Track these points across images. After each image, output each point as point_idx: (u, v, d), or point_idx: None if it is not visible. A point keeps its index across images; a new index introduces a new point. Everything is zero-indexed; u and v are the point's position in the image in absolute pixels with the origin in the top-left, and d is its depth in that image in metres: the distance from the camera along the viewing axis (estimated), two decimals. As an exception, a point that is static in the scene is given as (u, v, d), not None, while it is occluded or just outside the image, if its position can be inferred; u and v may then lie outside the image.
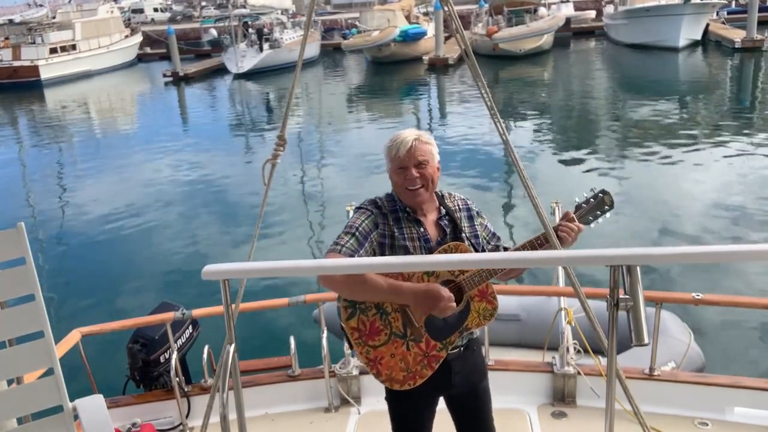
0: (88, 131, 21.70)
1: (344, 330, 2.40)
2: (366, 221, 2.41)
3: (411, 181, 2.42)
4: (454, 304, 2.32)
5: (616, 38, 32.66)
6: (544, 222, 2.52)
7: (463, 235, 2.50)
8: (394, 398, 2.55)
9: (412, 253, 2.39)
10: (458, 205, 2.58)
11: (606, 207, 2.58)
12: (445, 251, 2.40)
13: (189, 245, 10.27)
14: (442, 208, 2.54)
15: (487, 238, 2.60)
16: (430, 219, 2.50)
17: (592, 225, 2.58)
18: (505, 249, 2.62)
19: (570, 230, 2.46)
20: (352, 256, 2.31)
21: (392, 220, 2.45)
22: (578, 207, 2.57)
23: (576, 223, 2.49)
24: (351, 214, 2.51)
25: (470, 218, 2.58)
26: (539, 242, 2.44)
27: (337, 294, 2.39)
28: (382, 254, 2.38)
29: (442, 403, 2.63)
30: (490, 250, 2.59)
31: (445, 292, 2.29)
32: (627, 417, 2.95)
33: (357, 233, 2.37)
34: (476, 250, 2.51)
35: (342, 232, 2.39)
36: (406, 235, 2.42)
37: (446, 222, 2.50)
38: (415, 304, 2.34)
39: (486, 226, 2.62)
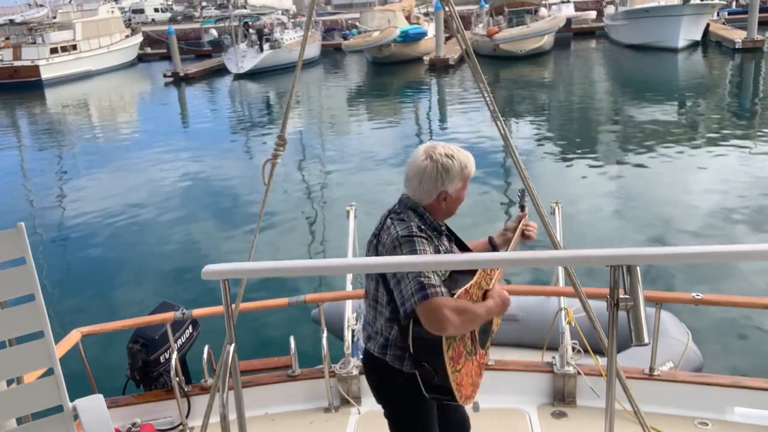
0: (89, 131, 21.71)
1: (443, 361, 2.26)
2: (429, 248, 2.33)
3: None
4: None
5: (617, 39, 32.65)
6: (544, 222, 2.53)
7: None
8: (419, 400, 2.49)
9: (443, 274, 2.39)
10: None
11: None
12: None
13: (189, 245, 10.27)
14: None
15: None
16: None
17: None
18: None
19: (534, 228, 2.74)
20: (444, 292, 2.22)
21: (434, 238, 2.42)
22: (523, 207, 2.81)
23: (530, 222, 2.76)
24: (399, 227, 2.38)
25: None
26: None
27: (437, 332, 2.20)
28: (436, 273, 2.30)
29: None
30: None
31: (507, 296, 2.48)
32: (627, 417, 2.96)
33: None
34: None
35: (418, 272, 2.23)
36: (442, 250, 2.44)
37: (448, 231, 2.58)
38: (498, 315, 2.46)
39: None
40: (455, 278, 2.34)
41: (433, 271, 2.23)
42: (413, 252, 2.28)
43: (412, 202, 2.43)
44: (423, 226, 2.38)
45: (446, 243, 2.50)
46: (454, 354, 2.30)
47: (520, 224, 2.72)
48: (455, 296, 2.25)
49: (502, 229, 2.77)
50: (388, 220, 2.42)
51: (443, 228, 2.52)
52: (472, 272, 2.37)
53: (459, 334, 2.30)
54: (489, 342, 2.59)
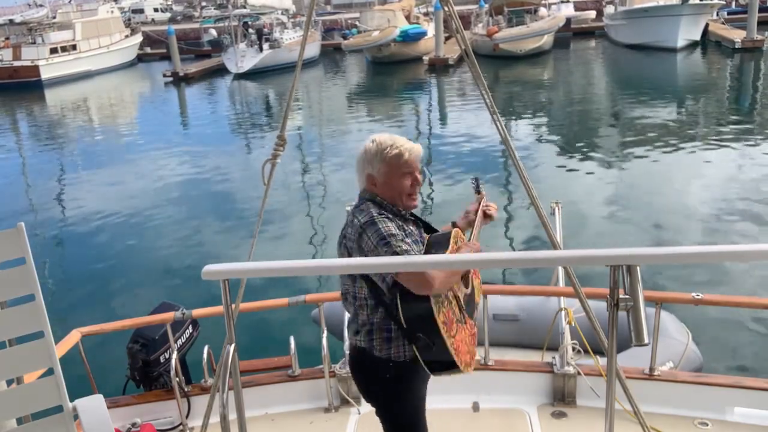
0: (89, 131, 21.70)
1: (437, 326, 2.30)
2: (392, 225, 2.38)
3: (416, 187, 2.51)
4: None
5: (616, 38, 32.65)
6: (544, 222, 2.53)
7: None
8: (407, 395, 2.51)
9: (418, 251, 2.43)
10: None
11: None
12: (455, 241, 2.54)
13: (189, 245, 10.27)
14: None
15: None
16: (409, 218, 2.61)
17: None
18: None
19: (494, 208, 2.80)
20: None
21: (398, 219, 2.47)
22: (479, 191, 2.90)
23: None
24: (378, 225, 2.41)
25: None
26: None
27: (425, 291, 2.25)
28: None
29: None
30: None
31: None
32: (627, 417, 2.96)
33: (400, 234, 2.34)
34: None
35: (390, 242, 2.29)
36: (409, 234, 2.47)
37: (414, 217, 2.64)
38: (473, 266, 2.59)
39: None
40: (431, 252, 2.48)
41: (404, 241, 2.31)
42: (377, 232, 2.32)
43: (368, 193, 2.53)
44: (383, 212, 2.44)
45: (414, 229, 2.54)
46: (446, 319, 2.34)
47: (480, 205, 2.79)
48: None
49: (464, 213, 2.81)
50: (351, 216, 2.49)
51: (405, 214, 2.55)
52: (447, 244, 2.48)
53: (446, 288, 2.35)
54: (476, 313, 2.65)
